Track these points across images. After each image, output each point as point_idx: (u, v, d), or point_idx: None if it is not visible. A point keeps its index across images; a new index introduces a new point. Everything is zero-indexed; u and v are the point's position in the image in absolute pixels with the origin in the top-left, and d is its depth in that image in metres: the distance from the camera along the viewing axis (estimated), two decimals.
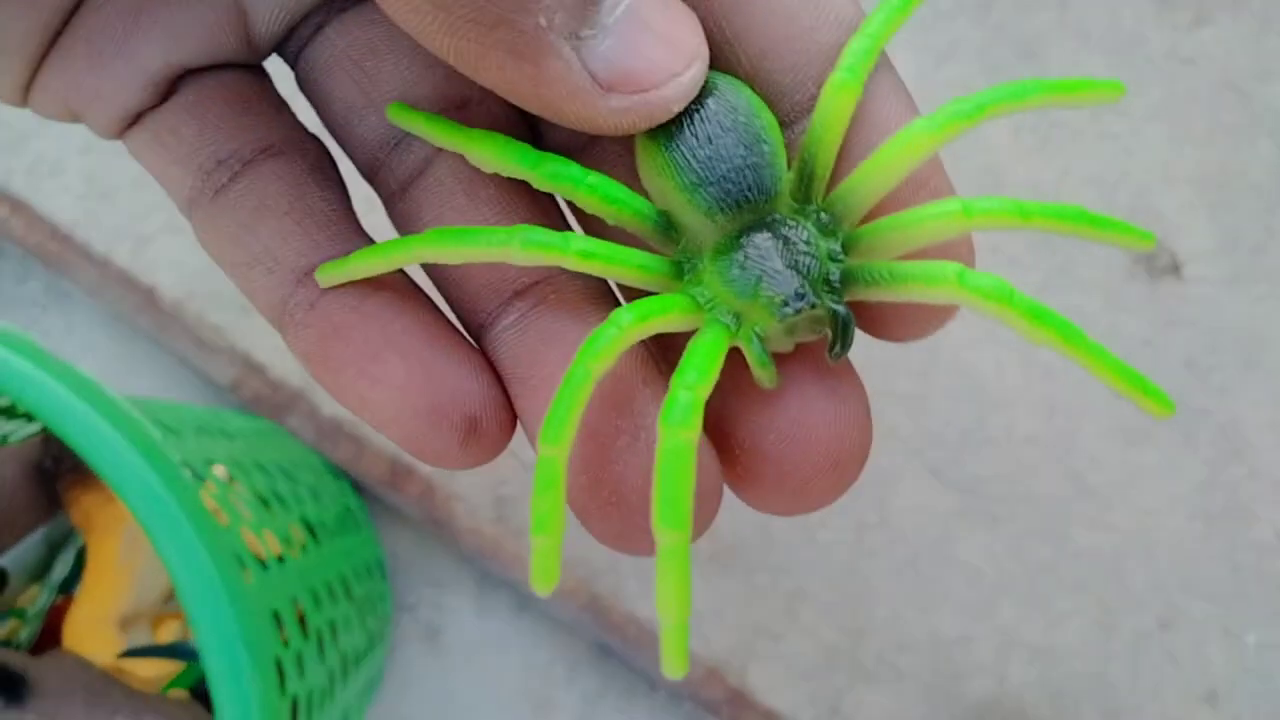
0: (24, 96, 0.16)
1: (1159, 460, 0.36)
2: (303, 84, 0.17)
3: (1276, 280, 0.37)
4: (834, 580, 0.36)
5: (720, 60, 0.15)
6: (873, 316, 0.16)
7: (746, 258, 0.14)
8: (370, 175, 0.17)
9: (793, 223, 0.15)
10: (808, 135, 0.15)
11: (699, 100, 0.15)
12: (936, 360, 0.37)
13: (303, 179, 0.16)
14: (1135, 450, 0.36)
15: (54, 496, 0.30)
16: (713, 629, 0.36)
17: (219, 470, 0.26)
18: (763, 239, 0.14)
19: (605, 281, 0.16)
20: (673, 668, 0.13)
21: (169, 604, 0.30)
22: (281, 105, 0.17)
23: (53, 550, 0.33)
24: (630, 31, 0.14)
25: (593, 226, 0.16)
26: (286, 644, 0.25)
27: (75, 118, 0.16)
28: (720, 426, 0.15)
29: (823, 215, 0.15)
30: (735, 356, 0.15)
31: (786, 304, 0.14)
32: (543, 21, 0.13)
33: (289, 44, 0.17)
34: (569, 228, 0.17)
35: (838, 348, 0.14)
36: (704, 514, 0.15)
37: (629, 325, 0.14)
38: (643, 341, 0.15)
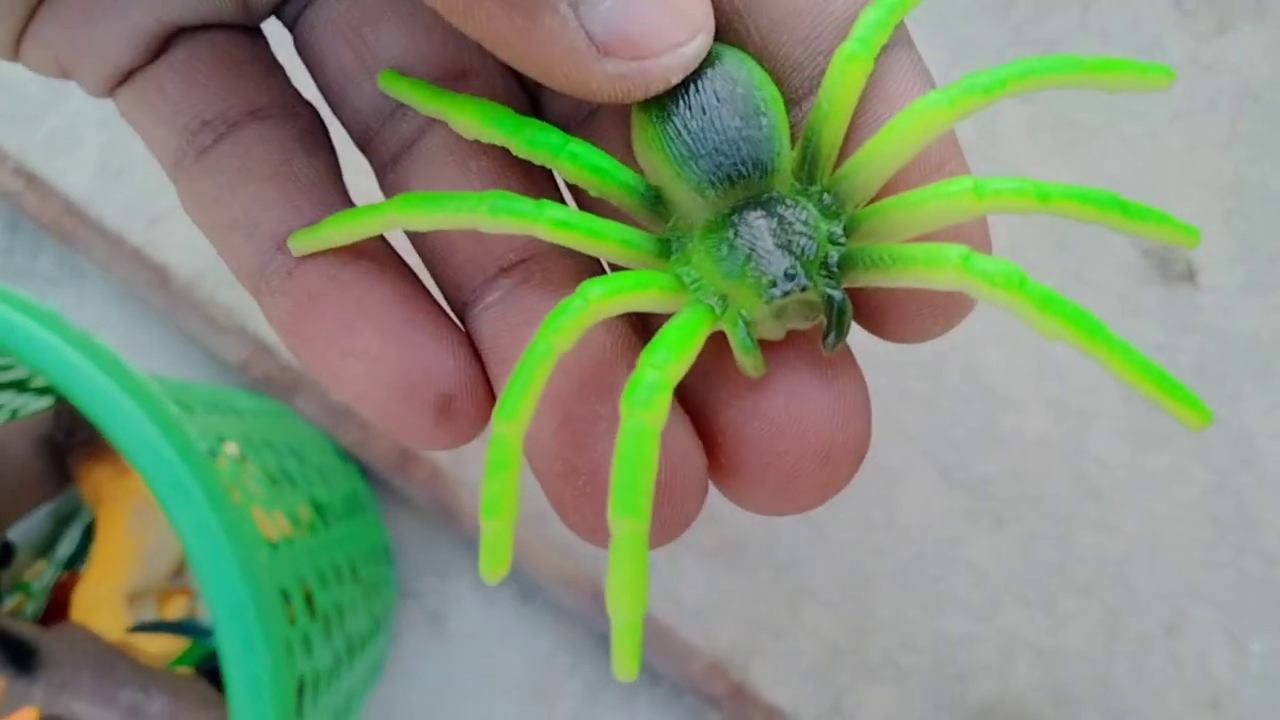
0: (15, 50, 0.16)
1: (1168, 465, 0.36)
2: (300, 49, 0.16)
3: None
4: (839, 578, 0.36)
5: (729, 32, 0.15)
6: (873, 311, 0.15)
7: (737, 235, 0.14)
8: (363, 144, 0.16)
9: (791, 202, 0.14)
10: (814, 110, 0.14)
11: (697, 70, 0.14)
12: (947, 360, 0.37)
13: (290, 144, 0.16)
14: (1144, 455, 0.36)
15: (64, 471, 0.30)
16: (716, 623, 0.36)
17: (230, 448, 0.26)
18: (756, 217, 0.14)
19: (598, 261, 0.15)
20: (623, 669, 0.12)
21: (176, 580, 0.30)
22: (275, 69, 0.17)
23: (59, 525, 0.33)
24: None
25: (591, 206, 0.15)
26: (294, 623, 0.24)
27: (66, 73, 0.16)
28: (704, 413, 0.14)
29: (826, 196, 0.14)
30: (726, 340, 0.14)
31: (774, 285, 0.13)
32: None
33: (287, 7, 0.16)
34: (562, 202, 0.16)
35: (832, 336, 0.13)
36: (686, 509, 0.14)
37: (597, 299, 0.13)
38: (629, 324, 0.15)
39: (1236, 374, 0.36)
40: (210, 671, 0.29)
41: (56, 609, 0.31)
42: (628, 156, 0.15)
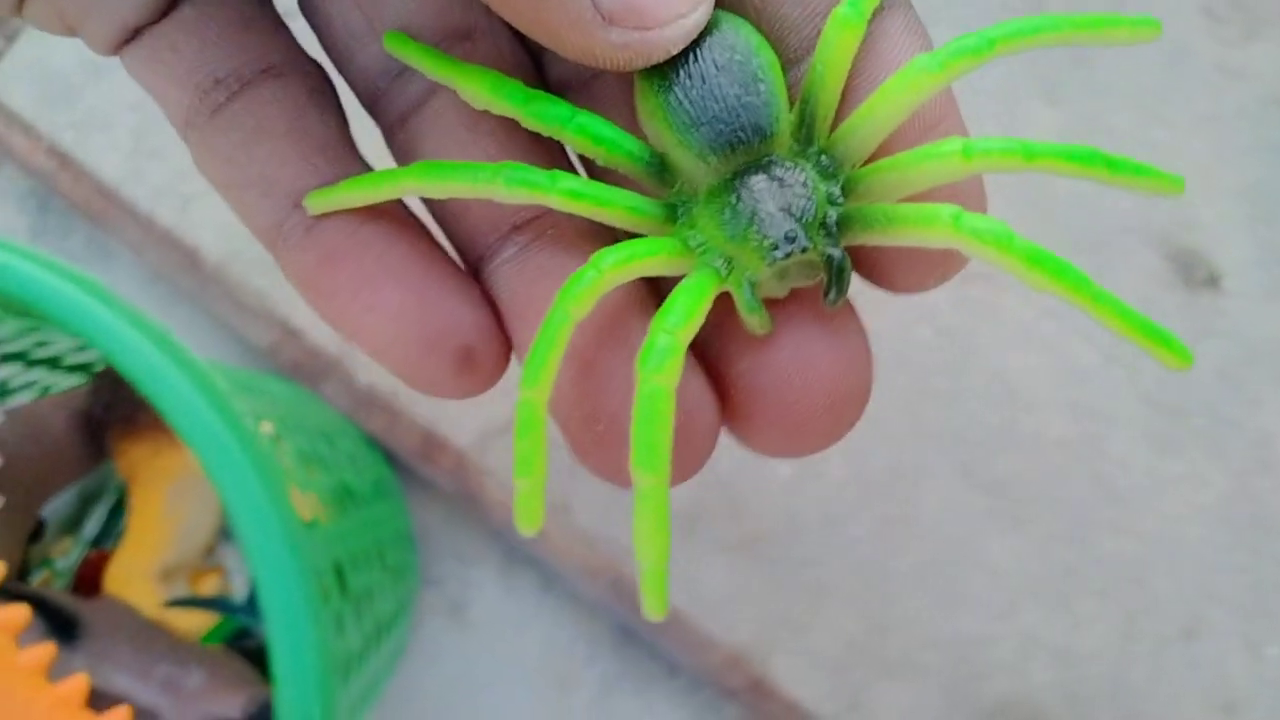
0: (19, 6, 0.15)
1: (1187, 469, 0.36)
2: (305, 7, 0.17)
3: None
4: (859, 574, 0.36)
5: None
6: (873, 265, 0.15)
7: (739, 199, 0.14)
8: (370, 105, 0.16)
9: (790, 164, 0.14)
10: (810, 73, 0.14)
11: (696, 38, 0.14)
12: (969, 360, 0.37)
13: (302, 102, 0.16)
14: (1164, 458, 0.36)
15: (99, 447, 0.30)
16: (736, 617, 0.36)
17: (266, 427, 0.27)
18: (757, 181, 0.14)
19: None
20: (653, 608, 0.13)
21: (209, 559, 0.30)
22: (281, 27, 0.17)
23: (86, 504, 0.33)
24: None
25: (596, 169, 0.16)
26: (328, 602, 0.25)
27: (71, 31, 0.16)
28: (717, 364, 0.15)
29: (824, 157, 0.15)
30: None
31: (776, 247, 0.14)
32: None
33: None
34: (569, 164, 0.16)
35: (833, 293, 0.14)
36: (698, 452, 0.15)
37: (609, 268, 0.14)
38: (640, 280, 0.15)
39: (1258, 379, 0.37)
40: (240, 649, 0.29)
41: (81, 587, 0.31)
42: (630, 119, 0.15)
